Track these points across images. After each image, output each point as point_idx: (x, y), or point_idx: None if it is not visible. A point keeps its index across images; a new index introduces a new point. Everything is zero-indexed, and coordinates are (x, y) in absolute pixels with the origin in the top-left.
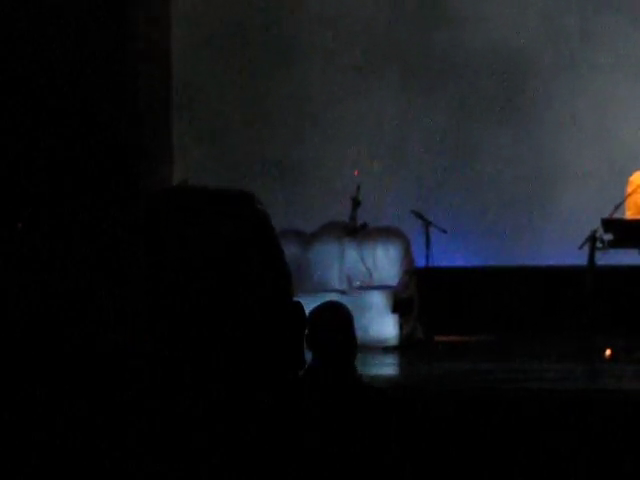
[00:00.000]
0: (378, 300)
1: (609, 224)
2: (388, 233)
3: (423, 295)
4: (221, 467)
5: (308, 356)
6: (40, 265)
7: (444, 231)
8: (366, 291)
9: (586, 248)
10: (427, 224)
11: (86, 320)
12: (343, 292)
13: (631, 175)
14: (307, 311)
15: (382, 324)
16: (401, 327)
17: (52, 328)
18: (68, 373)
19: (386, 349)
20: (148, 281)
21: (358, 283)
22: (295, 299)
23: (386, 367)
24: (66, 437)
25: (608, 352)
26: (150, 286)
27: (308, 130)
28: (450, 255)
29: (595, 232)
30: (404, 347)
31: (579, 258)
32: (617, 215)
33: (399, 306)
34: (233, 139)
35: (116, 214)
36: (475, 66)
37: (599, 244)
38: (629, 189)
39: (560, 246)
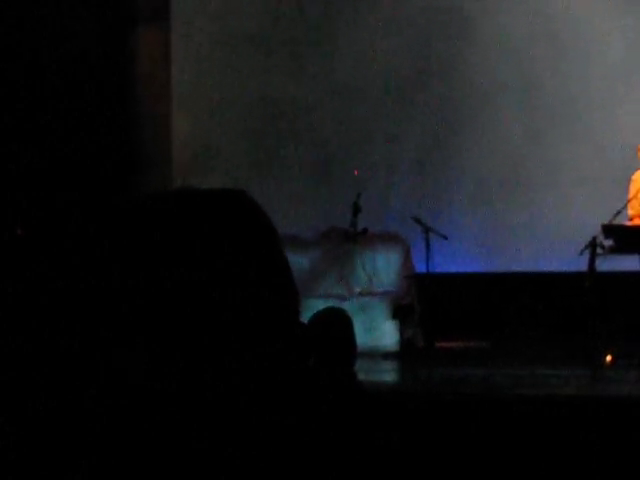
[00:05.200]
0: (378, 306)
1: (610, 230)
2: (388, 239)
3: (423, 301)
4: (219, 470)
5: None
6: (36, 268)
7: (444, 237)
8: (366, 297)
9: (587, 254)
10: (427, 230)
11: (81, 323)
12: (343, 298)
13: (633, 174)
14: (307, 317)
15: (382, 330)
16: (401, 333)
17: (49, 330)
18: (66, 373)
19: (386, 355)
20: (141, 285)
21: (358, 289)
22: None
23: (386, 373)
24: (64, 442)
25: (609, 358)
26: (144, 290)
27: (308, 131)
28: (450, 261)
29: (596, 238)
30: (404, 353)
31: (580, 264)
32: (618, 220)
33: (399, 312)
34: (233, 140)
35: (112, 218)
36: (476, 71)
37: (600, 250)
38: (631, 188)
39: (561, 252)
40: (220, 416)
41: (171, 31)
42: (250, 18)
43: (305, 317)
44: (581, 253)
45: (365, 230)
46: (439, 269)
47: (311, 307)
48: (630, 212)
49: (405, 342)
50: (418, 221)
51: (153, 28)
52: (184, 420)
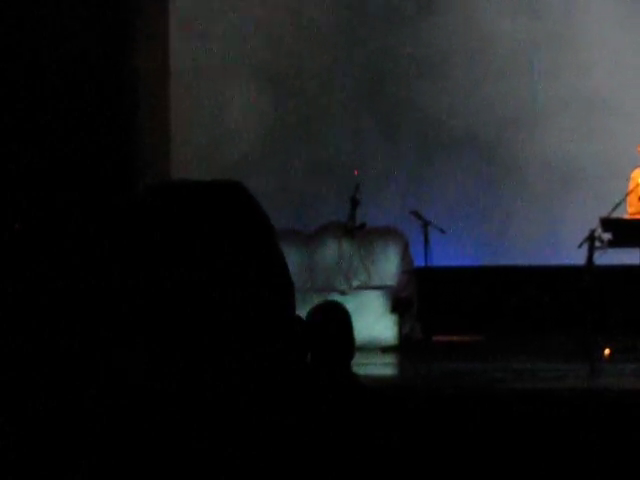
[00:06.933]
0: (377, 300)
1: (608, 223)
2: (387, 233)
3: (422, 295)
4: (219, 469)
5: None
6: (36, 265)
7: (442, 231)
8: (365, 291)
9: (585, 247)
10: (426, 224)
11: (81, 323)
12: (342, 292)
13: (632, 172)
14: (305, 311)
15: (381, 324)
16: (400, 327)
17: (49, 330)
18: (66, 373)
19: (385, 349)
20: (141, 285)
21: (357, 283)
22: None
23: (384, 367)
24: (64, 442)
25: (607, 351)
26: (144, 290)
27: (307, 130)
28: (448, 255)
29: (594, 231)
30: (403, 347)
31: (578, 257)
32: (616, 214)
33: (398, 306)
34: (232, 137)
35: (112, 218)
36: (477, 66)
37: (598, 243)
38: (630, 186)
39: (559, 245)
40: (220, 416)
41: (170, 29)
42: (250, 12)
43: (303, 311)
44: (579, 246)
45: (363, 224)
46: (437, 263)
47: (309, 301)
48: (630, 209)
49: (403, 336)
50: (417, 215)
51: (152, 26)
52: (184, 420)
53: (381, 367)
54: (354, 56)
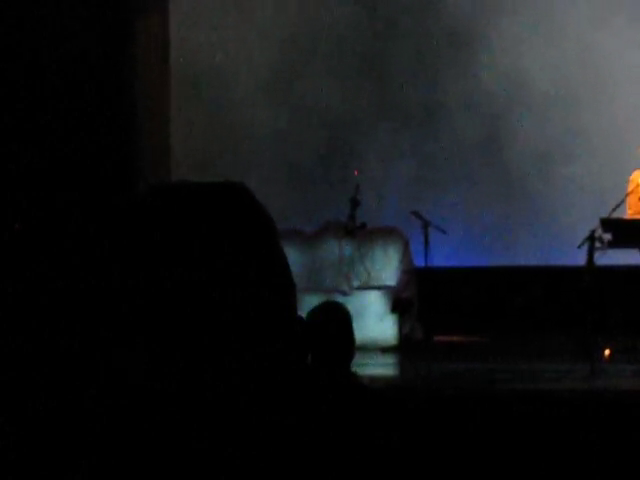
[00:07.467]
0: (377, 300)
1: (608, 224)
2: (387, 233)
3: (422, 295)
4: (219, 470)
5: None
6: (36, 268)
7: (443, 232)
8: (365, 291)
9: (585, 248)
10: (426, 224)
11: (81, 323)
12: (342, 292)
13: (631, 174)
14: (306, 311)
15: (381, 324)
16: (400, 327)
17: (49, 330)
18: (66, 373)
19: (385, 349)
20: (141, 285)
21: (357, 283)
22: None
23: (385, 367)
24: (64, 442)
25: (607, 352)
26: (144, 290)
27: (309, 130)
28: (449, 255)
29: (594, 232)
30: (403, 347)
31: (578, 258)
32: (616, 215)
33: (398, 306)
34: (232, 137)
35: (112, 218)
36: (479, 67)
37: (598, 244)
38: (629, 188)
39: (559, 246)
40: (220, 416)
41: (170, 29)
42: (253, 11)
43: (303, 312)
44: (579, 246)
45: (364, 224)
46: (438, 263)
47: (310, 302)
48: (629, 211)
49: (404, 336)
50: (418, 215)
51: (152, 26)
52: (184, 420)
53: (381, 367)
54: (361, 56)
